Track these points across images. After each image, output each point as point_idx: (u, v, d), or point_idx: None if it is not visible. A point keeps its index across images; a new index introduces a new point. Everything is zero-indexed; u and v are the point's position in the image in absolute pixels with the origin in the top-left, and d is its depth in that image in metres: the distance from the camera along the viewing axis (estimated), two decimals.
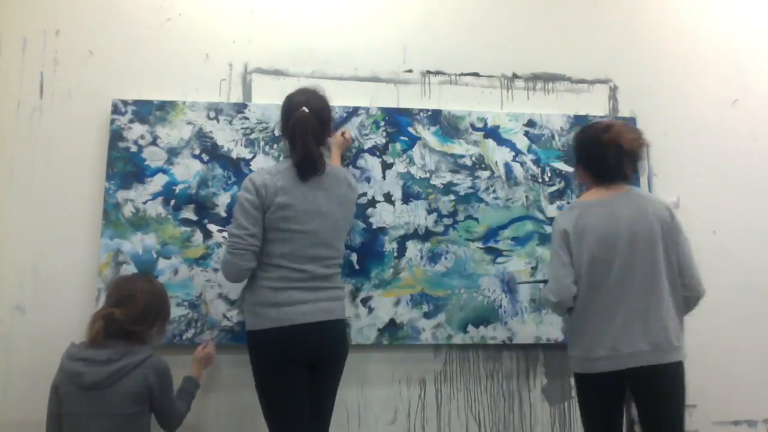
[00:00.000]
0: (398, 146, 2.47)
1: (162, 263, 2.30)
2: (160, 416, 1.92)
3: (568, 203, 2.51)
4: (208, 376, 2.22)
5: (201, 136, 2.39)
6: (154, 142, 2.36)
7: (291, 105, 2.00)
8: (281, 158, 2.38)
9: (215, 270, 2.31)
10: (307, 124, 1.94)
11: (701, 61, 2.76)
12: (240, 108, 2.42)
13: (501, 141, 2.53)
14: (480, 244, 2.46)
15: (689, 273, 1.94)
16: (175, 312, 2.27)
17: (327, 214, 1.96)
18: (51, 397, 1.85)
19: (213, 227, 2.31)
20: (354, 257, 2.38)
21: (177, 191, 2.35)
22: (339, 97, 2.48)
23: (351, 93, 2.51)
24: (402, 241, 2.42)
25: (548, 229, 2.49)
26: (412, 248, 2.42)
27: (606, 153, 1.94)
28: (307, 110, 1.94)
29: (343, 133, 2.37)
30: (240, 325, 2.30)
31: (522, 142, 2.54)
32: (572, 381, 2.29)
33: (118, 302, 1.88)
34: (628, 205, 1.94)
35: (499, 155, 2.52)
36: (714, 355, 2.56)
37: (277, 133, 2.41)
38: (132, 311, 1.86)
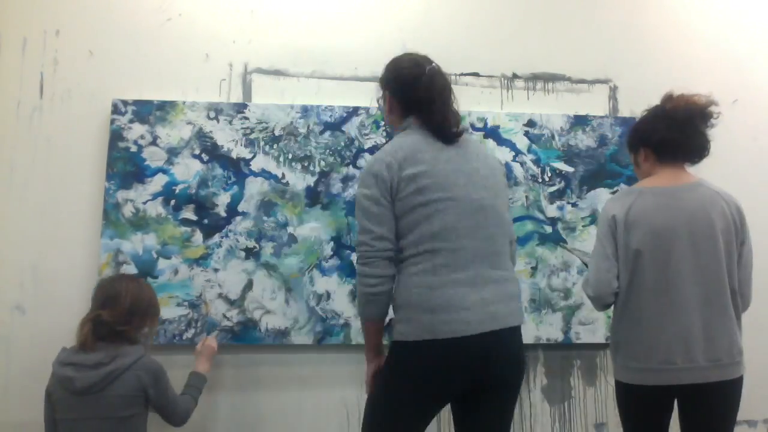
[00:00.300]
0: None
1: (162, 263, 2.30)
2: (163, 414, 1.92)
3: (569, 203, 2.51)
4: (208, 377, 2.21)
5: (201, 136, 2.39)
6: (154, 142, 2.36)
7: (406, 66, 1.72)
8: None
9: (215, 270, 2.31)
10: (445, 80, 1.68)
11: (701, 61, 2.76)
12: (240, 108, 2.42)
13: (501, 141, 2.53)
14: None
15: (745, 286, 1.76)
16: (175, 312, 2.27)
17: (470, 173, 1.61)
18: (45, 403, 1.85)
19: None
20: (354, 257, 2.38)
21: (177, 191, 2.35)
22: (339, 97, 2.49)
23: (351, 93, 2.51)
24: None
25: (548, 229, 2.49)
26: None
27: (670, 123, 1.76)
28: (437, 66, 1.69)
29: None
30: (240, 325, 2.30)
31: (522, 142, 2.54)
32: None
33: (103, 304, 1.87)
34: (694, 198, 1.73)
35: (499, 155, 2.52)
36: None
37: (277, 133, 2.41)
38: (118, 311, 1.85)
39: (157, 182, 2.34)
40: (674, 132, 1.77)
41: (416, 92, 1.67)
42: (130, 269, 2.27)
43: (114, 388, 1.78)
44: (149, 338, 2.01)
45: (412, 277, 1.56)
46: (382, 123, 2.46)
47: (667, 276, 1.68)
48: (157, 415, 1.93)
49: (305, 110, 2.44)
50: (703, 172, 2.67)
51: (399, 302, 1.59)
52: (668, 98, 1.82)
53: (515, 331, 1.61)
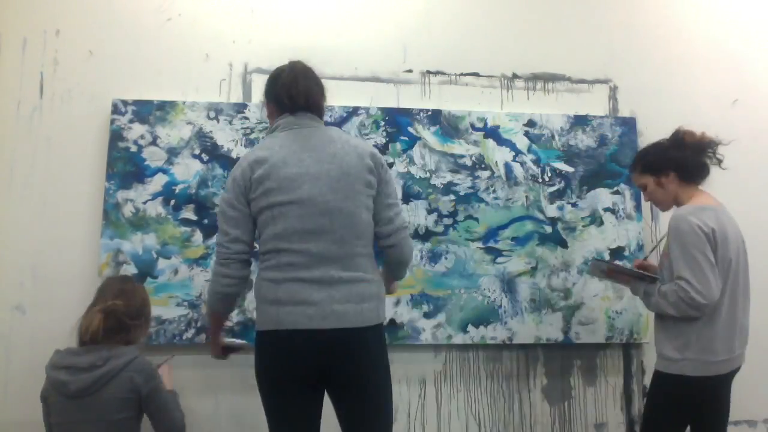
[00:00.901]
0: (398, 146, 2.47)
1: (162, 263, 2.30)
2: (158, 420, 1.84)
3: (569, 203, 2.52)
4: (207, 377, 2.22)
5: (201, 136, 2.39)
6: (154, 142, 2.36)
7: (274, 71, 1.84)
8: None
9: None
10: (308, 71, 1.77)
11: (701, 61, 2.76)
12: (240, 108, 2.42)
13: (501, 141, 2.53)
14: (480, 244, 2.46)
15: None
16: (175, 312, 2.27)
17: (319, 175, 1.62)
18: (42, 407, 1.84)
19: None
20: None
21: (177, 191, 2.35)
22: (339, 97, 2.48)
23: (351, 93, 2.51)
24: None
25: (548, 229, 2.49)
26: None
27: (695, 152, 2.02)
28: (301, 65, 1.79)
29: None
30: (240, 325, 2.30)
31: (522, 142, 2.54)
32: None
33: (117, 295, 1.87)
34: (732, 217, 2.02)
35: (499, 155, 2.52)
36: None
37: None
38: (131, 303, 1.87)
39: (157, 182, 2.34)
40: (699, 159, 2.02)
41: (277, 84, 1.76)
42: (130, 269, 2.27)
43: (108, 390, 1.77)
44: (143, 339, 1.99)
45: (262, 272, 1.65)
46: (382, 123, 2.47)
47: (739, 279, 1.95)
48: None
49: None
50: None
51: (255, 296, 1.70)
52: (685, 132, 2.05)
53: (366, 330, 1.61)
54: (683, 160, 2.02)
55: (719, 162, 2.04)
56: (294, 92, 1.72)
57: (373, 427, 1.66)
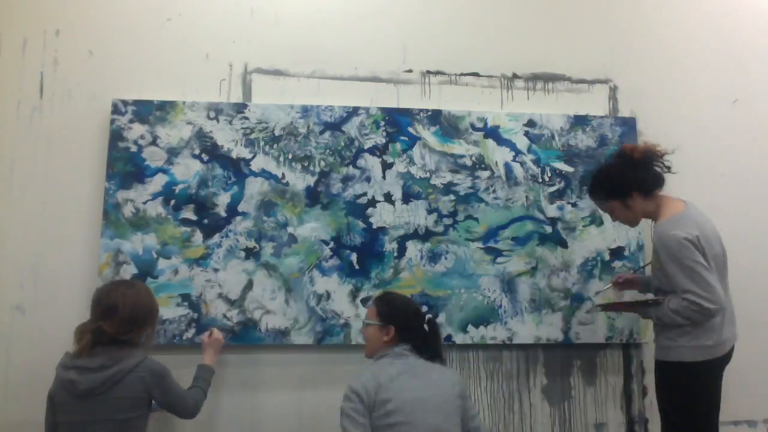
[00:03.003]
0: (398, 146, 2.47)
1: (162, 263, 2.30)
2: (174, 411, 1.93)
3: (569, 203, 2.52)
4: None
5: (201, 136, 2.39)
6: (154, 142, 2.36)
7: (413, 310, 2.08)
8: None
9: (215, 270, 2.31)
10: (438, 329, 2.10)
11: (701, 61, 2.76)
12: (240, 108, 2.42)
13: (501, 141, 2.53)
14: (480, 244, 2.46)
15: None
16: (175, 312, 2.27)
17: (428, 399, 1.91)
18: (47, 406, 1.84)
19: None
20: (354, 257, 2.38)
21: (177, 191, 2.35)
22: (339, 97, 2.49)
23: (351, 93, 2.51)
24: (402, 241, 2.42)
25: (548, 229, 2.49)
26: (412, 248, 2.42)
27: (647, 166, 2.11)
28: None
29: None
30: (240, 325, 2.30)
31: (522, 142, 2.54)
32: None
33: (103, 315, 1.83)
34: (698, 207, 2.13)
35: (499, 155, 2.52)
36: None
37: (277, 133, 2.41)
38: (118, 321, 1.82)
39: (157, 182, 2.34)
40: (652, 170, 2.12)
41: (409, 317, 2.03)
42: (130, 269, 2.27)
43: (117, 390, 1.78)
44: (150, 341, 1.99)
45: None
46: (382, 123, 2.47)
47: (726, 270, 2.09)
48: (156, 416, 1.92)
49: (305, 110, 2.44)
50: (703, 171, 2.68)
51: None
52: (631, 150, 2.14)
53: None
54: (641, 178, 2.10)
55: (668, 169, 2.13)
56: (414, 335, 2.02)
57: None
